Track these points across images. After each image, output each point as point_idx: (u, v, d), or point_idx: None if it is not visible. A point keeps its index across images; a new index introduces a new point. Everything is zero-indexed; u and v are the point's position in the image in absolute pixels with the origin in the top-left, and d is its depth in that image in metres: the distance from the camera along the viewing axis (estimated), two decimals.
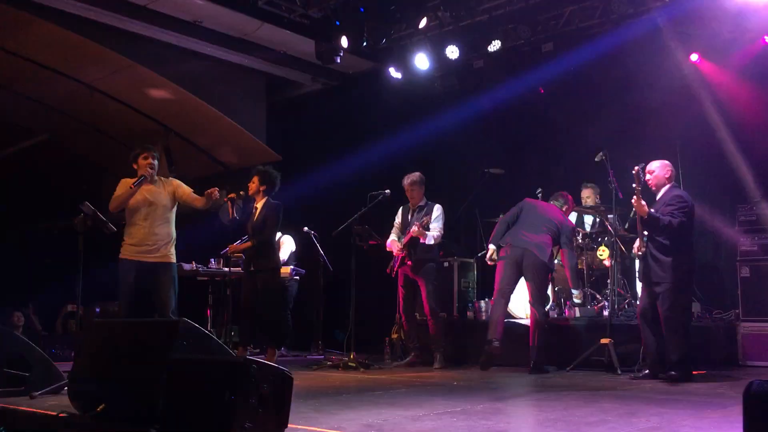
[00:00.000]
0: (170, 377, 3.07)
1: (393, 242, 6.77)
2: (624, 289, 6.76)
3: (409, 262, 6.57)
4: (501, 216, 6.56)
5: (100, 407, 3.21)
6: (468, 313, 7.27)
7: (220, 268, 7.75)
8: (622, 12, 6.99)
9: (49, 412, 3.48)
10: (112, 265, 5.59)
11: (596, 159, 6.19)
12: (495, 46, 7.61)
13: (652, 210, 5.21)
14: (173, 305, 5.31)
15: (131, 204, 5.36)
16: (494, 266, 6.28)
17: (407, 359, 6.81)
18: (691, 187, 6.00)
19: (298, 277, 8.09)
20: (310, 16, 8.00)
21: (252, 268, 6.10)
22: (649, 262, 5.27)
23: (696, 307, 6.23)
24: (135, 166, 5.47)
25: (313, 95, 9.79)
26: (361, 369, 6.25)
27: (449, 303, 7.28)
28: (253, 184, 6.18)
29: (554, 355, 6.17)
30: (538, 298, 6.09)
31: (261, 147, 9.32)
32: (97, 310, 8.58)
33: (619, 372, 5.60)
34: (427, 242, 6.50)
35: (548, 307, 6.74)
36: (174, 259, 5.46)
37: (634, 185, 5.18)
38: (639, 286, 5.96)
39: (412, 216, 6.73)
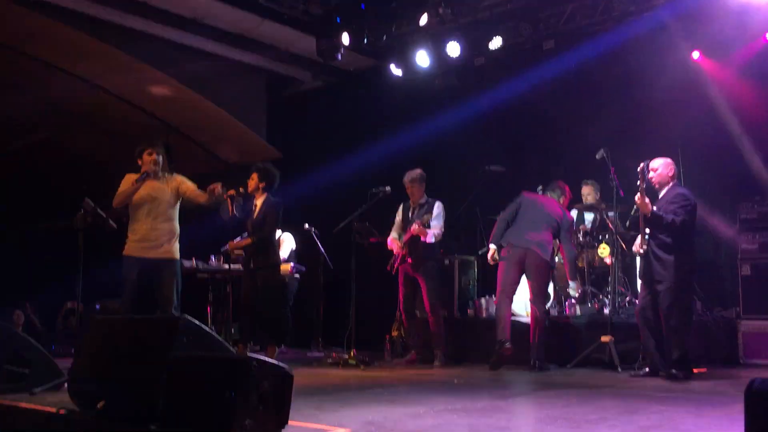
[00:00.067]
0: (170, 374, 3.07)
1: (393, 240, 6.76)
2: (625, 287, 6.76)
3: (409, 260, 6.56)
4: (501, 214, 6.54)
5: (100, 404, 3.20)
6: (468, 310, 7.27)
7: (220, 266, 7.74)
8: (623, 10, 6.98)
9: (49, 409, 3.48)
10: (112, 264, 5.59)
11: (597, 156, 6.18)
12: (496, 43, 7.59)
13: (655, 208, 5.20)
14: (176, 302, 5.31)
15: (134, 200, 5.36)
16: (495, 265, 6.26)
17: (407, 357, 6.81)
18: (692, 185, 5.99)
19: (298, 275, 8.09)
20: (311, 12, 7.98)
21: (252, 266, 6.10)
22: (651, 261, 5.26)
23: (697, 306, 6.22)
24: (139, 162, 5.47)
25: (313, 92, 9.78)
26: (362, 366, 6.24)
27: (450, 301, 7.27)
28: (253, 182, 6.18)
29: (555, 352, 6.17)
30: (539, 296, 6.08)
31: (261, 144, 9.32)
32: (97, 307, 8.58)
33: (620, 370, 5.61)
34: (427, 240, 6.49)
35: (549, 304, 6.74)
36: (177, 255, 5.45)
37: (638, 182, 5.17)
38: (639, 284, 5.95)
39: (412, 214, 6.72)
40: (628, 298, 6.61)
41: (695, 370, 5.25)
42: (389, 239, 6.80)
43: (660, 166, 5.40)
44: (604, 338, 5.82)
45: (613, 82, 7.42)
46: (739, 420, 2.41)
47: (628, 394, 4.55)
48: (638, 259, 5.81)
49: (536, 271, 6.02)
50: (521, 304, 6.88)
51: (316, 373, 5.97)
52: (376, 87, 8.76)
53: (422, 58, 8.04)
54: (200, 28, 8.13)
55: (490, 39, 7.60)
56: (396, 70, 8.37)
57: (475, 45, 7.83)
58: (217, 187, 5.41)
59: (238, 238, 6.46)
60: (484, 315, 7.07)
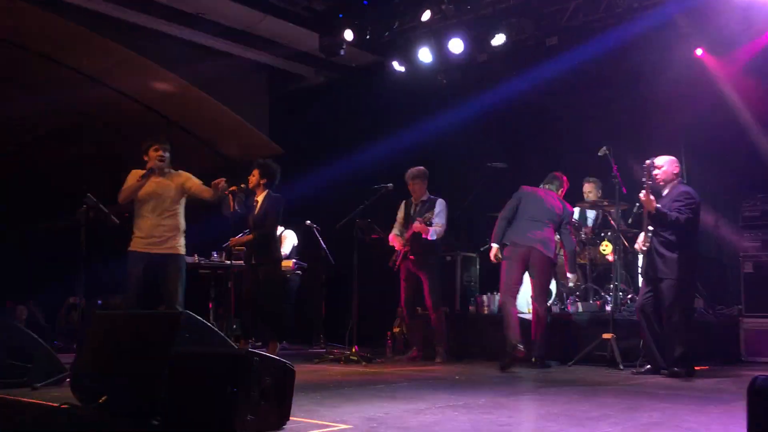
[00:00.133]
0: (172, 370, 3.07)
1: (395, 237, 6.75)
2: (627, 285, 6.75)
3: (411, 257, 6.56)
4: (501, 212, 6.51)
5: (102, 399, 3.21)
6: (470, 307, 7.26)
7: (222, 261, 7.75)
8: (627, 6, 6.96)
9: (51, 404, 3.48)
10: (113, 262, 5.59)
11: (599, 153, 6.16)
12: (499, 40, 7.58)
13: (659, 205, 5.20)
14: (180, 297, 5.32)
15: (140, 196, 5.37)
16: (497, 262, 6.22)
17: (409, 353, 6.81)
18: (695, 183, 5.98)
19: (300, 271, 8.09)
20: (313, 9, 7.97)
21: (253, 261, 6.11)
22: (654, 258, 5.25)
23: (699, 303, 6.22)
24: (145, 158, 5.47)
25: (315, 88, 9.77)
26: (363, 363, 6.24)
27: (451, 297, 7.27)
28: (254, 177, 6.18)
29: (556, 350, 6.16)
30: (541, 294, 6.06)
31: (263, 140, 9.31)
32: (99, 302, 8.60)
33: (621, 367, 5.60)
34: (429, 237, 6.48)
35: (550, 301, 6.73)
36: (183, 251, 5.47)
37: (643, 179, 5.16)
38: (641, 281, 5.94)
39: (414, 211, 6.71)
40: (630, 296, 6.61)
41: (697, 368, 5.24)
42: (391, 236, 6.79)
43: (665, 164, 5.39)
44: (606, 335, 5.82)
45: (615, 79, 7.41)
46: (741, 417, 2.40)
47: (629, 392, 4.55)
48: (640, 256, 5.81)
49: (540, 269, 6.00)
50: (523, 301, 6.87)
51: (317, 369, 5.97)
52: (378, 83, 8.74)
53: (425, 55, 8.02)
54: (203, 24, 8.13)
55: (493, 35, 7.57)
56: (398, 67, 8.36)
57: (477, 41, 7.81)
58: (222, 182, 5.42)
59: (240, 235, 6.46)
60: (485, 311, 7.06)
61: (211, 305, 8.07)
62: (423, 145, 8.06)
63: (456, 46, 7.71)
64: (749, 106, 6.77)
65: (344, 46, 7.95)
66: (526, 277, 6.20)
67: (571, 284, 6.50)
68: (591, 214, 7.44)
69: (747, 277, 6.16)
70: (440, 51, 7.93)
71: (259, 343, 7.01)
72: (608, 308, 6.35)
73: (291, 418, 3.20)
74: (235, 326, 7.73)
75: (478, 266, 7.56)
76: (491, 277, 6.94)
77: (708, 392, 4.52)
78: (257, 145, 9.29)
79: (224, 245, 7.21)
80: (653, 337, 5.30)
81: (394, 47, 8.32)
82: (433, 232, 6.48)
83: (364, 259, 6.71)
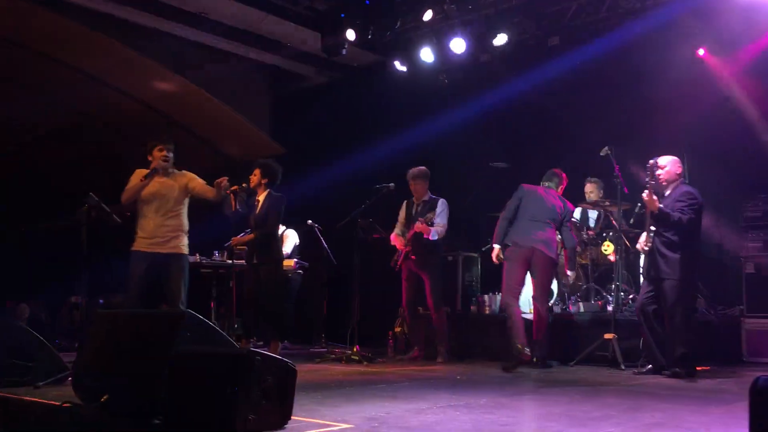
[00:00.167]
0: (174, 369, 3.07)
1: (397, 236, 6.75)
2: (628, 285, 6.74)
3: (413, 257, 6.56)
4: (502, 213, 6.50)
5: (104, 398, 3.21)
6: (472, 307, 7.26)
7: (223, 261, 7.75)
8: (628, 6, 6.95)
9: (53, 403, 3.49)
10: (114, 262, 5.59)
11: (601, 153, 6.16)
12: (501, 40, 7.57)
13: (662, 205, 5.19)
14: (184, 297, 5.32)
15: (143, 196, 5.37)
16: (499, 263, 6.21)
17: (410, 353, 6.81)
18: (697, 183, 5.97)
19: (301, 271, 8.09)
20: (315, 8, 7.97)
21: (255, 261, 6.11)
22: (656, 258, 5.25)
23: (700, 303, 6.21)
24: (150, 158, 5.48)
25: (317, 88, 9.77)
26: (365, 362, 6.25)
27: (453, 297, 7.27)
28: (255, 177, 6.19)
29: (558, 350, 6.16)
30: (542, 294, 6.06)
31: (265, 139, 9.31)
32: (101, 301, 8.60)
33: (623, 367, 5.60)
34: (431, 238, 6.48)
35: (552, 301, 6.72)
36: (186, 251, 5.47)
37: (647, 179, 5.16)
38: (642, 281, 5.94)
39: (416, 211, 6.72)
40: (631, 296, 6.60)
41: (698, 368, 5.24)
42: (392, 235, 6.80)
43: (669, 164, 5.39)
44: (608, 335, 5.82)
45: (617, 79, 7.40)
46: (742, 418, 2.40)
47: (631, 392, 4.55)
48: (642, 256, 5.80)
49: (542, 270, 5.99)
50: (524, 301, 6.87)
51: (318, 368, 5.98)
52: (380, 83, 8.74)
53: (426, 55, 8.02)
54: (205, 24, 8.13)
55: (495, 35, 7.57)
56: (400, 66, 8.36)
57: (479, 41, 7.80)
58: (224, 181, 5.42)
59: (242, 234, 6.46)
60: (487, 311, 7.06)
61: (212, 305, 8.07)
62: (424, 144, 8.06)
63: (458, 46, 7.71)
64: (751, 106, 6.76)
65: (346, 46, 7.95)
66: (528, 277, 6.20)
67: (570, 281, 6.48)
68: (593, 215, 7.43)
69: (748, 277, 6.15)
70: (442, 51, 7.92)
71: (261, 343, 7.01)
72: (610, 308, 6.35)
73: (292, 417, 3.20)
74: (236, 326, 7.73)
75: (479, 266, 7.56)
76: (493, 277, 6.93)
77: (709, 393, 4.52)
78: (258, 145, 9.29)
79: (226, 245, 7.21)
80: (653, 337, 5.29)
81: (395, 47, 8.32)
82: (435, 233, 6.48)
83: (366, 258, 6.71)
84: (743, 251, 6.25)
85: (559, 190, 6.32)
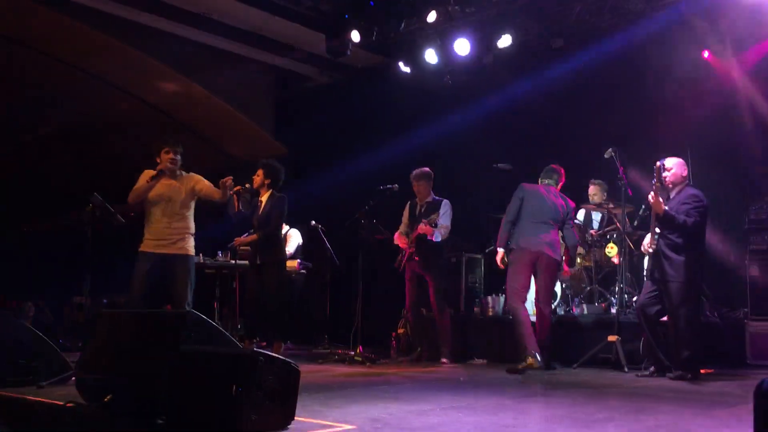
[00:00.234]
0: (177, 369, 3.07)
1: (400, 237, 6.76)
2: (632, 287, 6.73)
3: (416, 258, 6.56)
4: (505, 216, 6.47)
5: (107, 398, 3.22)
6: (475, 308, 7.25)
7: (227, 261, 7.76)
8: (632, 8, 6.94)
9: (56, 402, 3.49)
10: (119, 262, 5.60)
11: (605, 155, 6.15)
12: (505, 41, 7.57)
13: (667, 207, 5.18)
14: (189, 298, 5.34)
15: (150, 197, 5.40)
16: (504, 267, 6.17)
17: (413, 354, 6.81)
18: (702, 185, 5.96)
19: (304, 271, 8.09)
20: (320, 9, 7.98)
21: (258, 261, 6.12)
22: (660, 260, 5.24)
23: (704, 306, 6.20)
24: (157, 159, 5.50)
25: (321, 89, 9.78)
26: (367, 363, 6.24)
27: (456, 298, 7.27)
28: (258, 177, 6.20)
29: (561, 352, 6.14)
30: (546, 296, 6.04)
31: (268, 140, 9.32)
32: (105, 301, 8.62)
33: (626, 370, 5.59)
34: (434, 239, 6.47)
35: (555, 303, 6.71)
36: (192, 252, 5.51)
37: (653, 181, 5.15)
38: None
39: (419, 212, 6.71)
40: (635, 298, 6.59)
41: (702, 371, 5.23)
42: (396, 234, 6.80)
43: (675, 166, 5.38)
44: (611, 338, 5.80)
45: (621, 81, 7.39)
46: (747, 420, 2.40)
47: (635, 394, 4.54)
48: (646, 258, 5.79)
49: (547, 272, 5.96)
50: (528, 303, 6.86)
51: (321, 369, 5.97)
52: (384, 84, 8.74)
53: (430, 56, 8.02)
54: (209, 24, 8.14)
55: (499, 37, 7.57)
56: (404, 68, 8.35)
57: (483, 43, 7.80)
58: (229, 180, 5.45)
59: (245, 235, 6.47)
60: (490, 313, 7.05)
61: (216, 305, 8.08)
62: (428, 145, 8.06)
63: (462, 47, 7.71)
64: (756, 108, 6.74)
65: (350, 47, 7.95)
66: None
67: (566, 277, 6.45)
68: (596, 216, 7.42)
69: (753, 279, 6.13)
70: (446, 52, 7.92)
71: (264, 343, 7.02)
72: (613, 310, 6.34)
73: (295, 418, 3.20)
74: (239, 326, 7.75)
75: (483, 268, 7.55)
76: (496, 279, 6.93)
77: (713, 395, 4.50)
78: (262, 146, 9.30)
79: (229, 245, 7.23)
80: (653, 338, 5.28)
81: (400, 48, 8.31)
82: (438, 234, 6.48)
83: (369, 259, 6.71)
84: (748, 253, 6.22)
85: (559, 186, 6.29)
